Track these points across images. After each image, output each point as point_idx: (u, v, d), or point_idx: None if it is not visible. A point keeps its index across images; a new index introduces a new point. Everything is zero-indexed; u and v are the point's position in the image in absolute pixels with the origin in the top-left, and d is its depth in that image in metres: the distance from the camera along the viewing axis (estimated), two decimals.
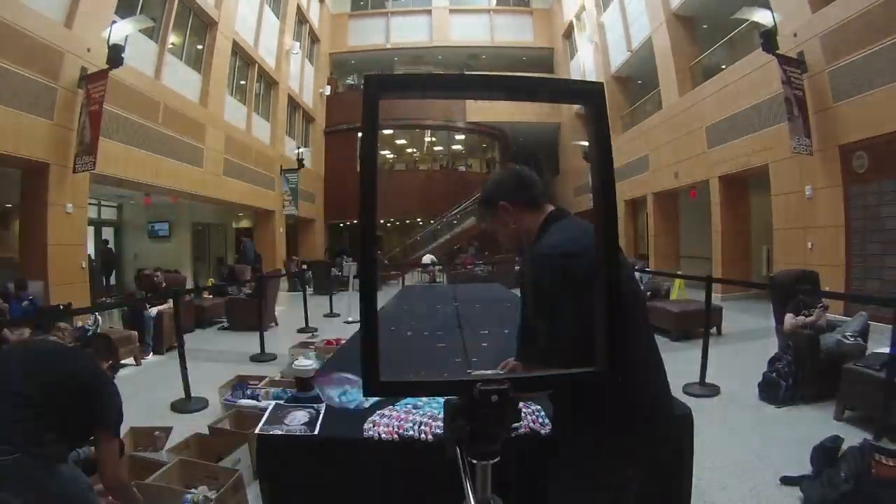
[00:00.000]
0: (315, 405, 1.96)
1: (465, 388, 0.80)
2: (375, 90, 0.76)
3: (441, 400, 1.81)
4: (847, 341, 4.51)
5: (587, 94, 0.78)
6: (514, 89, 0.93)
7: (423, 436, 1.65)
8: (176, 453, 3.14)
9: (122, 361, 6.03)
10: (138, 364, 6.26)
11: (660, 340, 6.77)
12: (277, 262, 16.69)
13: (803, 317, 4.88)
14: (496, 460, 0.82)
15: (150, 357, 6.66)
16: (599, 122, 0.77)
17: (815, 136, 8.17)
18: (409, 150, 23.85)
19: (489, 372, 0.80)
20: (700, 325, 7.03)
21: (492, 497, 0.83)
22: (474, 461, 0.82)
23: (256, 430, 1.81)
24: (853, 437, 3.52)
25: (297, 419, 1.87)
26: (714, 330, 7.03)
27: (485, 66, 24.40)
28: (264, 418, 1.92)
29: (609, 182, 0.78)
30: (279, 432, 1.78)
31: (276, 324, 9.17)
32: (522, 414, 1.32)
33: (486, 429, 0.80)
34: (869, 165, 7.66)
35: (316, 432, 1.75)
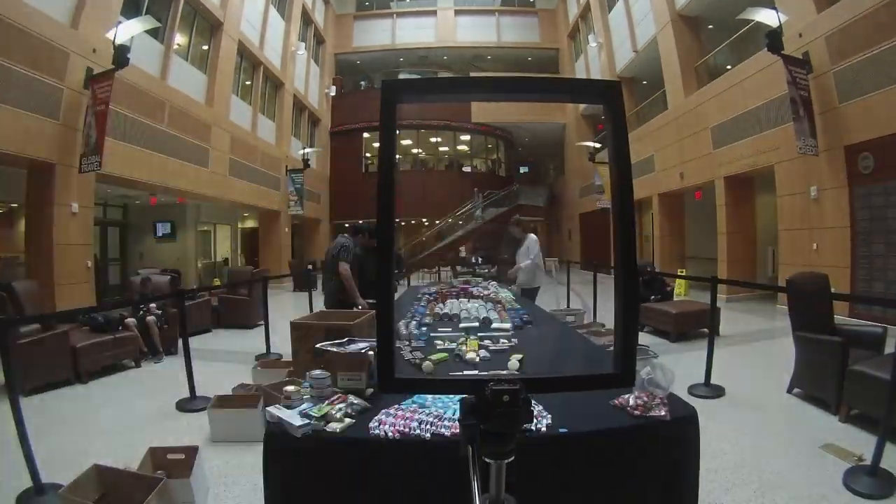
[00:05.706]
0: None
1: (477, 388, 0.80)
2: (392, 95, 0.75)
3: (445, 399, 1.82)
4: None
5: (604, 93, 0.78)
6: (529, 90, 0.92)
7: (428, 435, 1.66)
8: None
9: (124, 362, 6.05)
10: (138, 366, 6.17)
11: (659, 341, 6.68)
12: (283, 262, 16.77)
13: None
14: (511, 460, 0.82)
15: (153, 361, 6.39)
16: (617, 121, 0.77)
17: (820, 136, 8.15)
18: (415, 151, 23.88)
19: (504, 372, 0.80)
20: (698, 326, 7.05)
21: (506, 497, 0.82)
22: (488, 461, 0.82)
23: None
24: (858, 438, 3.50)
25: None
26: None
27: (490, 66, 24.42)
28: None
29: (627, 186, 0.78)
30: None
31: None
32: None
33: (498, 428, 0.80)
34: (875, 166, 7.63)
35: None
